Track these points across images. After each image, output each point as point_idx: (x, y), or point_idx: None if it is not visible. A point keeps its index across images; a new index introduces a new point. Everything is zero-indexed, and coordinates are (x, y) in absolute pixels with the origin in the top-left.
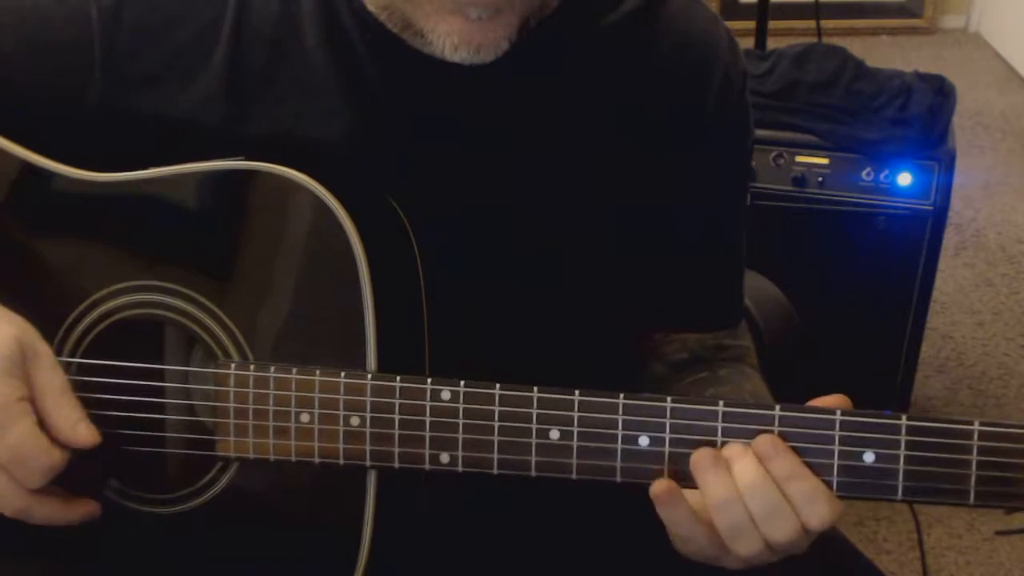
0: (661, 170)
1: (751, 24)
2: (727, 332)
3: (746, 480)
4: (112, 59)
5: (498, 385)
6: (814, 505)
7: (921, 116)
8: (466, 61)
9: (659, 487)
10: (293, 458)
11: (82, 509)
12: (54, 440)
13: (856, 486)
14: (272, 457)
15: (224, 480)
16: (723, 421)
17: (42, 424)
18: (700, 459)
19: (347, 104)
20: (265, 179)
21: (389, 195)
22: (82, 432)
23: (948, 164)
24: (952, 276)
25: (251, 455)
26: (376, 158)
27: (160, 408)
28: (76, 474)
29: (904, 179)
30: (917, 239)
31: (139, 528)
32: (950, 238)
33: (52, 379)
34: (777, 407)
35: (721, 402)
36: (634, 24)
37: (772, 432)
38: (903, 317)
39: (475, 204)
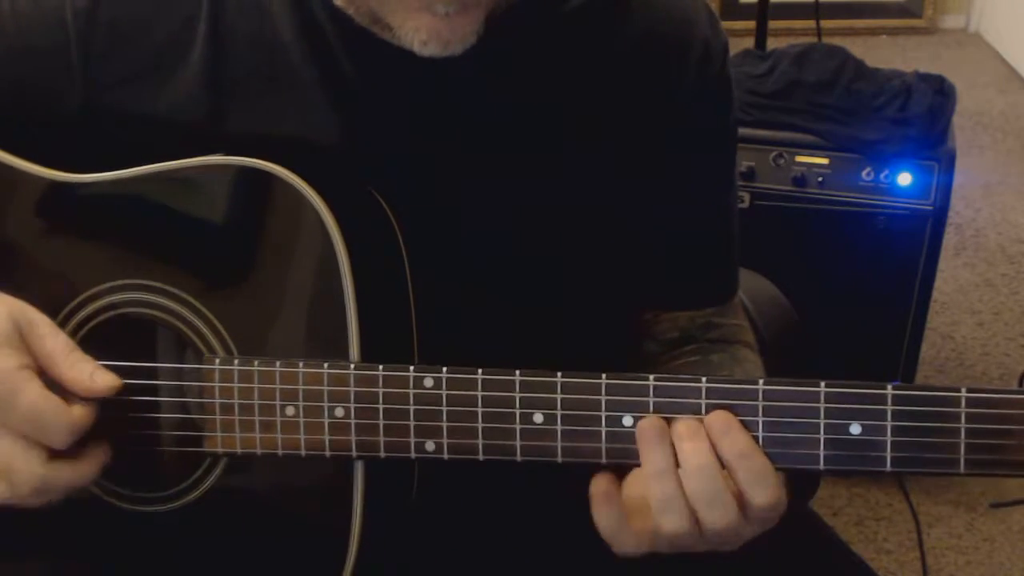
0: (644, 149)
1: (751, 24)
2: (717, 310)
3: (694, 462)
4: (89, 60)
5: (480, 370)
6: (761, 485)
7: (921, 116)
8: (435, 55)
9: (598, 486)
10: (280, 452)
11: (95, 460)
12: (77, 398)
13: (843, 459)
14: (259, 451)
15: (213, 476)
16: (706, 397)
17: (59, 387)
18: (647, 429)
19: (325, 98)
20: (244, 173)
21: (374, 187)
22: (100, 380)
23: (948, 164)
24: (952, 276)
25: (238, 450)
26: (357, 151)
27: (146, 406)
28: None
29: (904, 179)
30: (917, 239)
31: (129, 526)
32: (950, 238)
33: (55, 342)
34: (760, 381)
35: (704, 378)
36: (604, 3)
37: (756, 405)
38: (903, 317)
39: (459, 194)
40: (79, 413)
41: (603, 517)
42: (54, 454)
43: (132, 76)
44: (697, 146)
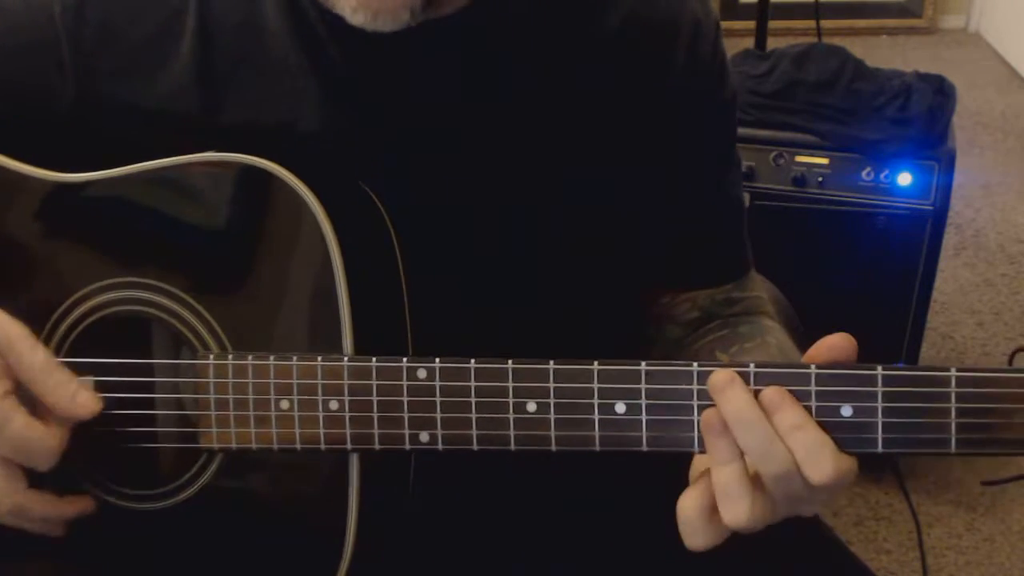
0: (640, 129)
1: (751, 24)
2: (734, 285)
3: (734, 411)
4: (80, 56)
5: (473, 360)
6: (817, 457)
7: (921, 116)
8: (367, 27)
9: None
10: (275, 446)
11: (76, 505)
12: (57, 418)
13: (836, 441)
14: (254, 446)
15: (208, 474)
16: (698, 383)
17: (39, 406)
18: (711, 421)
19: (315, 86)
20: (235, 169)
21: (364, 176)
22: (82, 401)
23: (948, 164)
24: (952, 276)
25: (234, 445)
26: (347, 140)
27: (141, 403)
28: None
29: (904, 179)
30: (917, 239)
31: (124, 525)
32: (950, 238)
33: (34, 361)
34: (751, 364)
35: (695, 363)
36: None
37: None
38: (903, 317)
39: (448, 186)
40: (61, 437)
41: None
42: (36, 483)
43: (123, 70)
44: (695, 123)
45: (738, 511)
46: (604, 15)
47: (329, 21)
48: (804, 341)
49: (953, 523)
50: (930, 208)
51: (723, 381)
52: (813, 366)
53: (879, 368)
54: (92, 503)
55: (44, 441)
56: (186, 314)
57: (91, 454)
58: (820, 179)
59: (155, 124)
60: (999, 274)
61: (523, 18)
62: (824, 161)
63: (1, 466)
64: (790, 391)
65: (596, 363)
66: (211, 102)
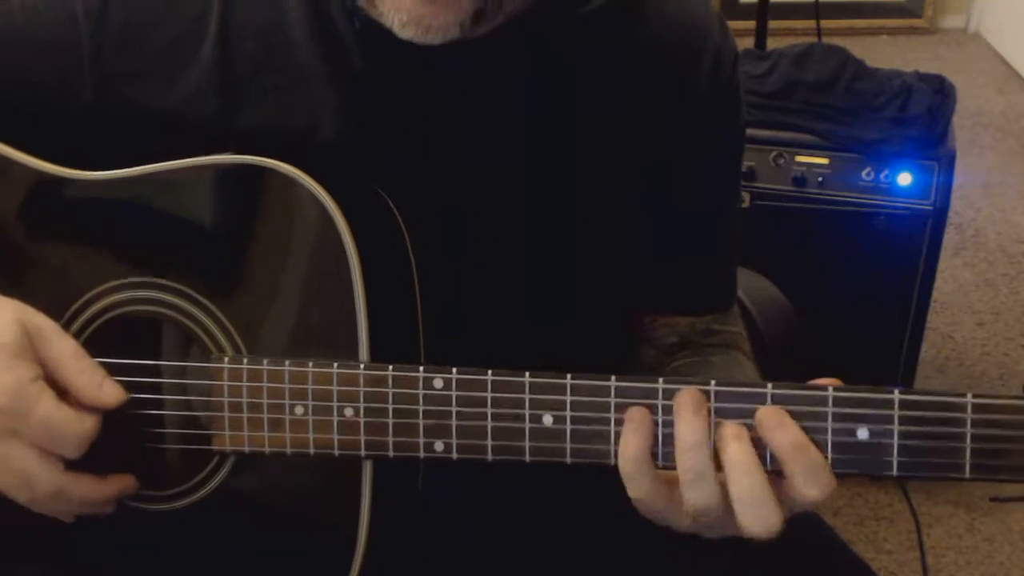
0: (651, 154)
1: (751, 24)
2: (716, 316)
3: (738, 460)
4: (101, 57)
5: (490, 371)
6: (815, 478)
7: (921, 116)
8: (415, 40)
9: (635, 410)
10: (288, 451)
11: (117, 484)
12: (81, 407)
13: (850, 463)
14: (267, 450)
15: (220, 476)
16: (715, 401)
17: (65, 395)
18: (686, 399)
19: (334, 94)
20: (255, 172)
21: (380, 184)
22: (108, 390)
23: (948, 164)
24: (952, 276)
25: (247, 449)
26: (367, 148)
27: (155, 404)
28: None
29: (904, 179)
30: (917, 239)
31: (135, 526)
32: (950, 238)
33: (63, 349)
34: (769, 385)
35: (713, 381)
36: (616, 9)
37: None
38: (903, 317)
39: (464, 194)
40: (90, 424)
41: (632, 450)
42: (72, 465)
43: (143, 72)
44: (704, 153)
45: (703, 495)
46: (629, 37)
47: (358, 30)
48: (804, 340)
49: (953, 523)
50: (930, 208)
51: (734, 433)
52: (831, 388)
53: (896, 392)
54: (134, 481)
55: (72, 425)
56: (200, 315)
57: (104, 454)
58: (820, 179)
59: (173, 127)
60: (999, 274)
61: (547, 38)
62: (824, 161)
63: (34, 451)
64: (805, 412)
65: (614, 378)
66: (230, 107)
